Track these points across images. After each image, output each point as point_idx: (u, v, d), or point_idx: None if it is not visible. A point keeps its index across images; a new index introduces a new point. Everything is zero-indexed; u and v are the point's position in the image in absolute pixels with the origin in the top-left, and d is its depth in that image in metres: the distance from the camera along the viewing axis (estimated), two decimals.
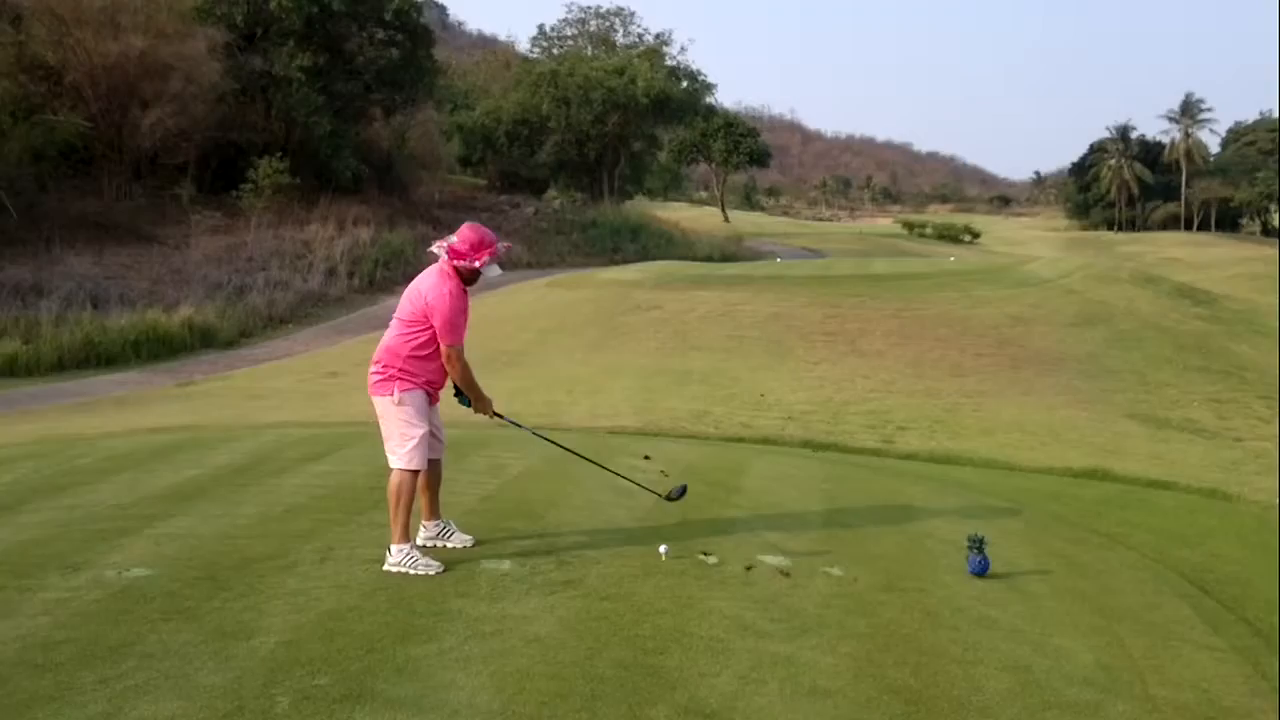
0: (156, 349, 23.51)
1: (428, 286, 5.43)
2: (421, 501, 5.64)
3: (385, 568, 5.24)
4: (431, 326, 5.39)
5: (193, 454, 8.63)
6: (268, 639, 4.30)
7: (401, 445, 5.41)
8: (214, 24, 37.57)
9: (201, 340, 24.89)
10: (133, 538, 5.71)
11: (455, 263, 5.43)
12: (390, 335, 5.50)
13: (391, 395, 5.41)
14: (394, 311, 5.60)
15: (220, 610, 4.61)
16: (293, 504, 6.63)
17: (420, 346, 5.42)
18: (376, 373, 5.48)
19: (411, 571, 5.19)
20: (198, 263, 31.24)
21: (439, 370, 5.51)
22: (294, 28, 39.23)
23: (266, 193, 35.35)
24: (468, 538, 5.74)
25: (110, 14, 33.90)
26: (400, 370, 5.42)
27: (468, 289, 5.52)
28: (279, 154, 37.00)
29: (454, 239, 5.46)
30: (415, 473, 5.46)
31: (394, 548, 5.27)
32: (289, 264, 32.91)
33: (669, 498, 5.56)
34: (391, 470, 5.43)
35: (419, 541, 5.49)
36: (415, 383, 5.44)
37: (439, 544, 5.65)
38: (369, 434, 10.05)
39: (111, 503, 6.70)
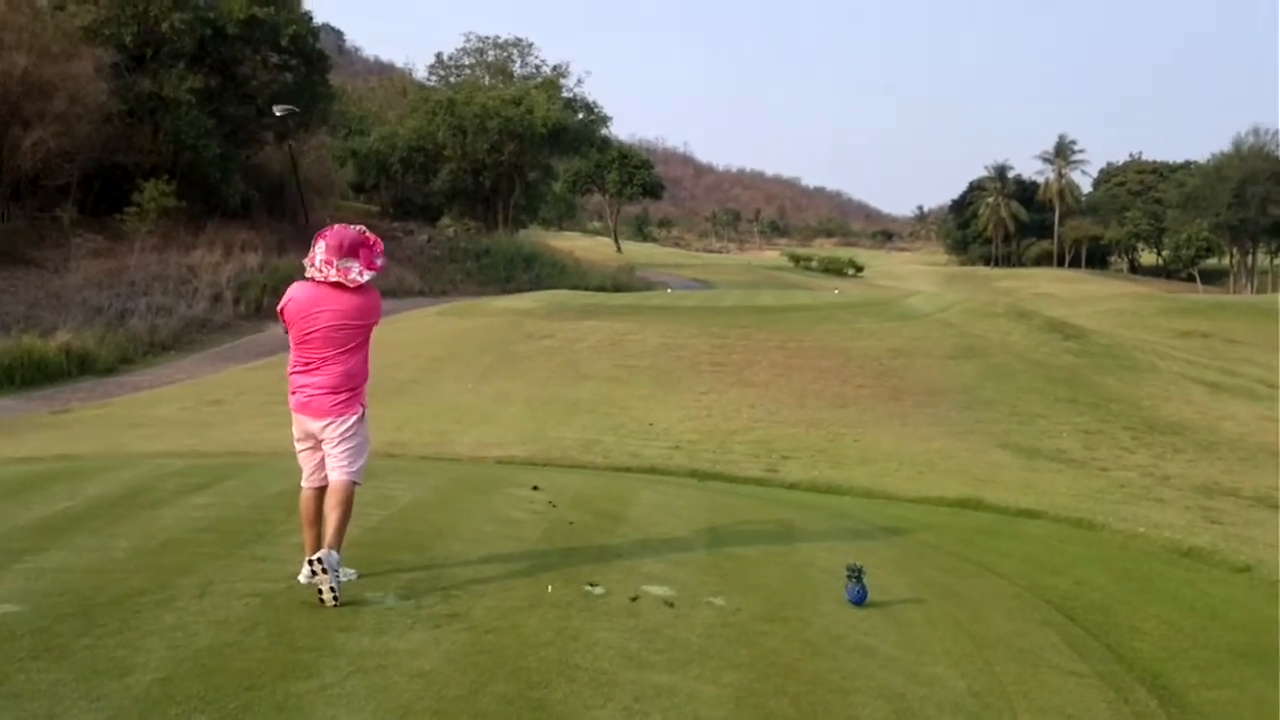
0: (32, 375, 22.67)
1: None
2: (306, 535, 5.61)
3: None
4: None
5: (67, 485, 8.35)
6: (142, 676, 4.20)
7: None
8: (102, 44, 36.60)
9: (80, 367, 24.07)
10: (0, 572, 5.53)
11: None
12: None
13: None
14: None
15: (93, 647, 4.48)
16: (170, 537, 6.47)
17: None
18: None
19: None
20: (78, 286, 30.26)
21: (295, 383, 5.53)
22: (185, 49, 38.45)
23: (151, 216, 34.46)
24: (351, 571, 5.70)
25: None
26: None
27: (314, 282, 5.51)
28: (166, 177, 36.15)
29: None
30: (304, 489, 5.57)
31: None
32: (173, 289, 32.09)
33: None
34: None
35: (301, 579, 5.43)
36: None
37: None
38: (251, 464, 9.91)
39: None
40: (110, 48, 36.92)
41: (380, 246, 5.56)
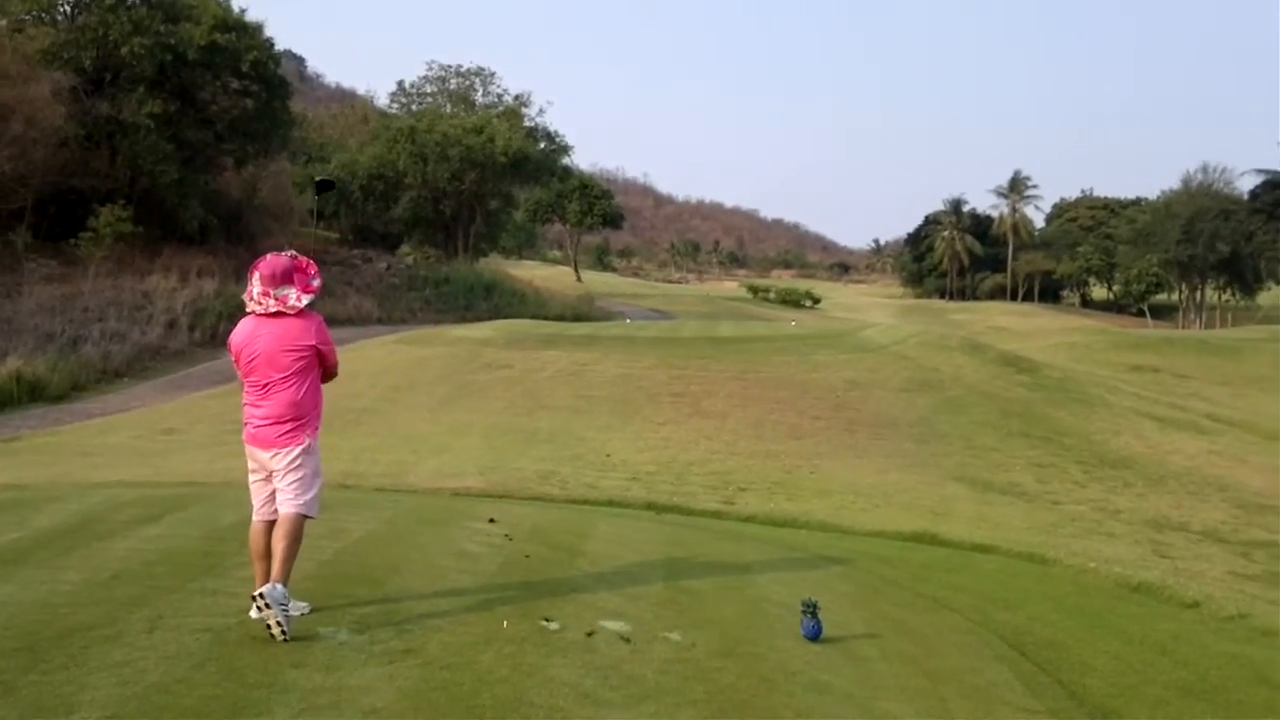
0: None
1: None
2: (255, 568, 5.58)
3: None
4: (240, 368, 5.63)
5: (14, 515, 8.21)
6: (89, 714, 4.15)
7: None
8: (60, 67, 36.24)
9: (30, 394, 23.64)
10: None
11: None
12: None
13: None
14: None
15: (39, 683, 4.42)
16: (121, 569, 6.39)
17: None
18: None
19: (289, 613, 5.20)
20: (30, 312, 29.78)
21: (245, 415, 5.59)
22: (145, 74, 38.11)
23: (107, 241, 34.05)
24: (303, 605, 5.65)
25: None
26: None
27: (256, 315, 5.57)
28: (123, 202, 35.74)
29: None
30: (254, 522, 5.59)
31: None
32: (127, 315, 31.68)
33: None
34: None
35: (253, 615, 5.36)
36: None
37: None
38: (205, 495, 9.79)
39: None
40: (69, 71, 36.56)
41: (314, 269, 5.67)
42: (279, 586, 5.22)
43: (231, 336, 5.65)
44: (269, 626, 5.10)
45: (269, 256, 5.59)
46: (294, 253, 5.69)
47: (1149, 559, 11.60)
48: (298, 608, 5.50)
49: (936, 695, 5.65)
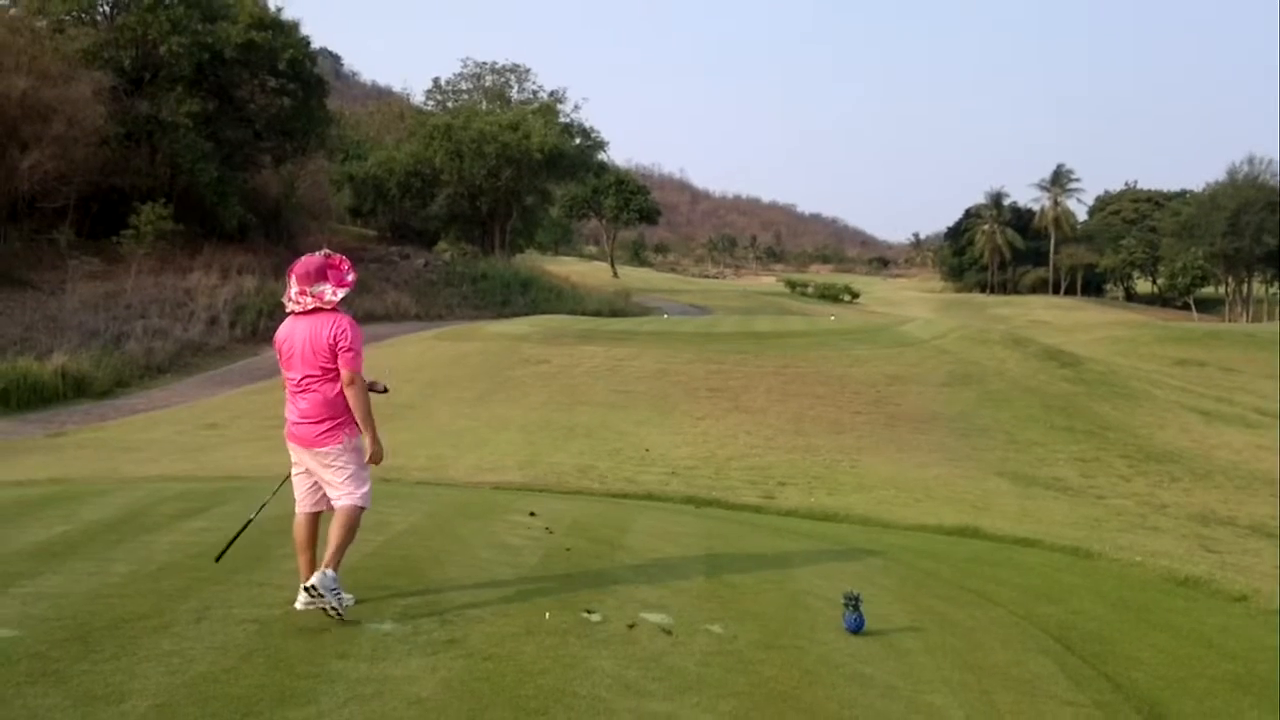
0: (27, 397, 22.64)
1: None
2: (300, 560, 5.63)
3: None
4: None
5: (63, 508, 8.33)
6: (139, 702, 4.19)
7: None
8: (101, 67, 36.84)
9: (75, 389, 24.04)
10: None
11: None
12: None
13: None
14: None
15: (90, 672, 4.47)
16: (167, 561, 6.47)
17: None
18: None
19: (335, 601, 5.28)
20: (74, 309, 30.28)
21: (288, 410, 5.65)
22: (184, 73, 38.66)
23: (148, 239, 34.54)
24: (348, 597, 5.69)
25: None
26: None
27: (294, 314, 5.66)
28: (163, 200, 36.23)
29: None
30: (297, 515, 5.68)
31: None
32: (169, 312, 32.14)
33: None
34: None
35: (298, 606, 5.42)
36: None
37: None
38: (247, 489, 9.88)
39: None
40: (109, 71, 37.15)
41: (346, 264, 5.76)
42: (329, 572, 5.33)
43: (275, 335, 5.79)
44: (325, 610, 5.22)
45: (304, 257, 5.72)
46: (328, 251, 5.80)
47: (1195, 553, 11.44)
48: (344, 599, 5.54)
49: (980, 688, 5.60)
